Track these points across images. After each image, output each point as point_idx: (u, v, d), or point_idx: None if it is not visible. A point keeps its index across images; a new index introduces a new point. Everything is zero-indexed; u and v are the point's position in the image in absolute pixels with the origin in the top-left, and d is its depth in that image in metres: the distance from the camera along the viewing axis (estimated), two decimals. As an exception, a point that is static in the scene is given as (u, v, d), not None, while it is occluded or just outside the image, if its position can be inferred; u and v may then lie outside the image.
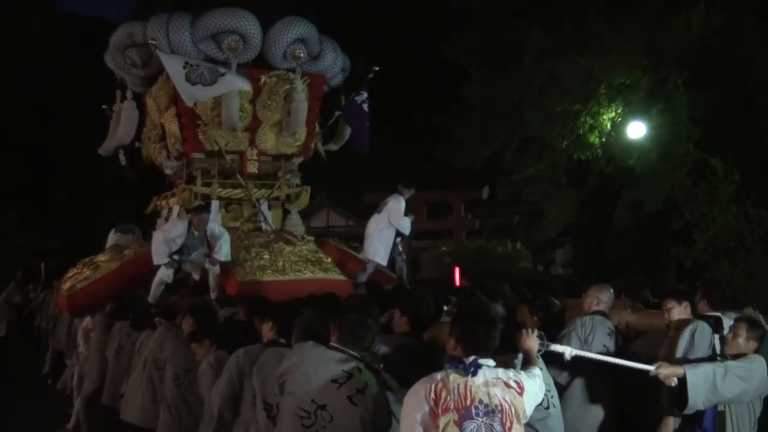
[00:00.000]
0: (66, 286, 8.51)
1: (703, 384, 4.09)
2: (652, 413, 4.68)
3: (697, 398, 4.10)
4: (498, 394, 3.03)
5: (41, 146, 23.56)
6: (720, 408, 4.21)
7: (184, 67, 7.94)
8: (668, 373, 4.12)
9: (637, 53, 13.50)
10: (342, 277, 8.20)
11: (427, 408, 2.99)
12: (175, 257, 7.70)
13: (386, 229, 8.80)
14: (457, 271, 12.46)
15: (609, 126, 14.17)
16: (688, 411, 4.18)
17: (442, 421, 2.96)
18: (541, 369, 3.52)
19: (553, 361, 4.67)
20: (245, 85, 8.49)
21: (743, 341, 4.24)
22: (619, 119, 14.13)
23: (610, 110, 14.16)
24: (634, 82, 13.80)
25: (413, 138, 21.11)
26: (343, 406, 3.33)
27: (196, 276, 8.14)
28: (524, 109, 14.56)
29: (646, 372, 4.19)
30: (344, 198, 21.24)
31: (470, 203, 18.51)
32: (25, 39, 22.29)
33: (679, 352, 4.48)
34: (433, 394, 3.00)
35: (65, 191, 24.11)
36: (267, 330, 4.43)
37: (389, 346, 4.10)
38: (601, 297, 5.25)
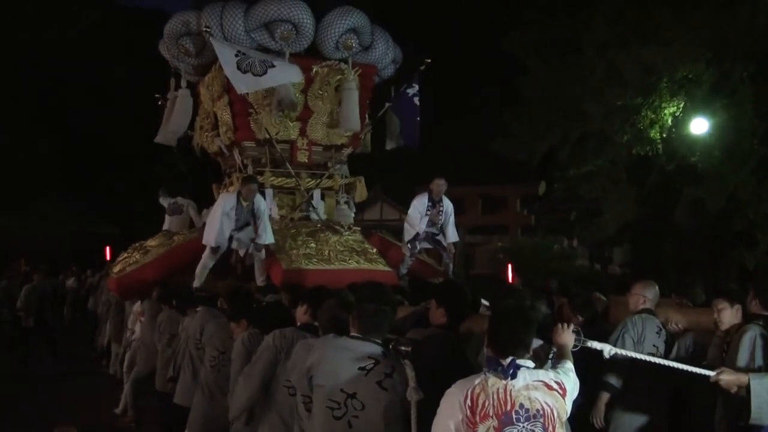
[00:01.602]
0: (116, 269, 8.76)
1: None
2: (703, 421, 4.51)
3: (763, 410, 3.82)
4: (539, 398, 2.91)
5: (102, 135, 24.28)
6: None
7: (236, 56, 7.99)
8: (731, 380, 3.85)
9: (701, 45, 13.09)
10: (387, 268, 8.17)
11: (461, 416, 2.88)
12: (223, 245, 7.75)
13: (406, 225, 8.67)
14: (509, 267, 12.26)
15: (670, 121, 13.77)
16: (753, 423, 3.90)
17: (481, 429, 2.85)
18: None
19: (613, 365, 4.62)
20: (296, 77, 8.49)
21: None
22: (681, 114, 13.72)
23: (671, 105, 13.77)
24: (698, 76, 13.38)
25: (470, 131, 20.95)
26: (374, 392, 3.31)
27: (241, 252, 8.19)
28: (583, 103, 14.26)
29: (705, 377, 3.95)
30: (398, 191, 21.21)
31: (526, 199, 18.25)
32: (86, 31, 22.94)
33: (741, 361, 4.18)
34: (469, 401, 2.88)
35: (125, 179, 24.81)
36: (301, 313, 4.47)
37: (421, 336, 4.07)
38: (647, 294, 5.11)
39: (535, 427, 2.88)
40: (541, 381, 2.95)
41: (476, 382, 2.91)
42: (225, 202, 7.85)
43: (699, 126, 13.58)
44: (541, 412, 2.89)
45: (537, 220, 18.12)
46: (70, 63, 23.19)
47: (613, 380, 4.79)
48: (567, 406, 3.00)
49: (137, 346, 8.80)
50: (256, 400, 4.31)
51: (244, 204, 7.79)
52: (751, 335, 4.26)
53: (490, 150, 16.54)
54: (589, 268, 16.75)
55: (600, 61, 14.00)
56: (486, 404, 2.85)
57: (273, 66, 8.06)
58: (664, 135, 14.08)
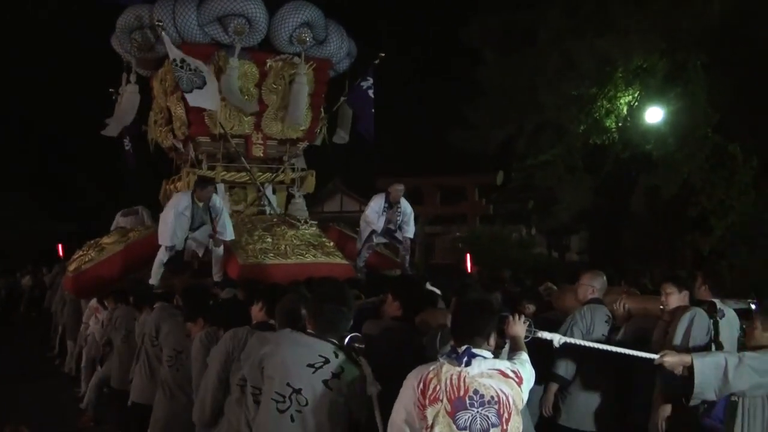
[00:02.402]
0: (71, 267, 8.61)
1: (713, 373, 3.92)
2: (642, 399, 4.66)
3: (705, 387, 3.90)
4: (494, 385, 2.97)
5: (57, 131, 23.82)
6: (733, 398, 4.00)
7: (181, 66, 7.98)
8: (674, 361, 3.94)
9: (655, 35, 13.29)
10: (344, 261, 8.21)
11: (413, 399, 2.96)
12: (177, 245, 7.73)
13: (362, 222, 8.84)
14: (468, 257, 12.38)
15: (626, 110, 13.99)
16: (695, 400, 4.00)
17: (430, 412, 2.91)
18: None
19: (562, 354, 4.73)
20: (214, 106, 8.47)
21: (759, 333, 4.00)
22: (636, 103, 13.95)
23: (627, 94, 14.01)
24: (652, 66, 13.62)
25: (427, 122, 21.07)
26: (319, 390, 3.34)
27: (200, 252, 8.18)
28: (539, 93, 14.41)
29: (649, 360, 4.05)
30: (358, 183, 21.22)
31: (484, 188, 18.40)
32: (37, 24, 22.45)
33: (677, 339, 4.39)
34: (422, 385, 2.95)
35: (82, 175, 24.41)
36: (257, 311, 4.44)
37: (378, 329, 4.11)
38: (595, 284, 5.18)
39: (489, 412, 2.93)
40: (497, 369, 3.01)
41: (431, 368, 2.99)
42: (179, 202, 7.81)
43: (654, 115, 13.83)
44: (496, 398, 2.95)
45: (495, 210, 18.28)
46: (19, 57, 22.71)
47: (562, 371, 4.89)
48: (523, 394, 3.05)
49: (93, 340, 8.76)
50: (218, 402, 4.27)
51: (200, 204, 7.76)
52: (689, 315, 4.43)
53: (448, 140, 16.64)
54: (547, 256, 16.96)
55: (556, 51, 14.15)
56: (437, 389, 2.92)
57: (203, 72, 8.06)
58: (620, 124, 14.31)
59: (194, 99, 8.18)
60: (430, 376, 2.96)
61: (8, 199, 24.45)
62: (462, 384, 2.93)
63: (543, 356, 4.59)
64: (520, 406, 3.03)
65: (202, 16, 8.62)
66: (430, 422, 2.91)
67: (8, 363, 11.93)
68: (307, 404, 3.34)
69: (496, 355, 3.26)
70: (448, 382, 2.93)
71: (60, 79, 22.72)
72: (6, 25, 22.02)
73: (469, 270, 11.46)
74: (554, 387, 4.93)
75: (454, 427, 2.90)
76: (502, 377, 3.00)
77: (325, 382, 3.34)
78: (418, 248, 16.37)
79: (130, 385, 6.36)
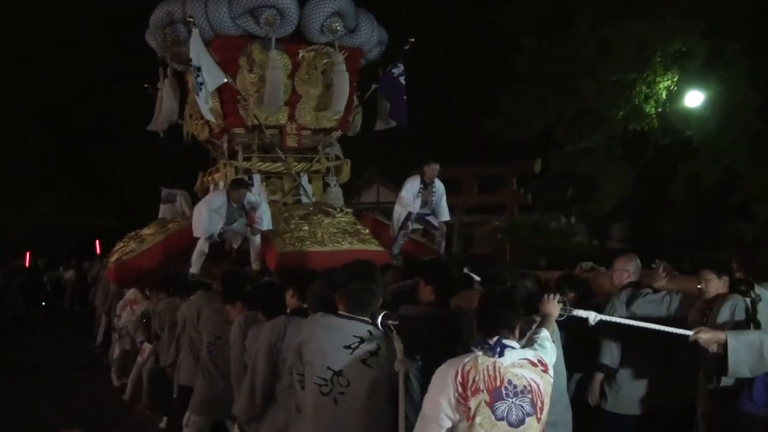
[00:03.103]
0: (113, 258, 8.81)
1: (747, 351, 3.93)
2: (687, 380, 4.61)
3: (739, 365, 3.94)
4: (526, 374, 2.99)
5: (97, 127, 24.28)
6: None
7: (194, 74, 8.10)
8: (708, 338, 3.97)
9: (695, 17, 13.03)
10: (380, 248, 8.22)
11: (452, 390, 2.95)
12: (214, 232, 7.85)
13: (397, 206, 8.78)
14: (507, 248, 12.29)
15: (665, 95, 13.75)
16: (729, 378, 4.04)
17: (473, 403, 2.92)
18: (552, 333, 3.48)
19: (606, 343, 4.72)
20: (219, 80, 8.38)
21: None
22: (676, 88, 13.70)
23: (666, 78, 13.76)
24: (691, 49, 13.37)
25: (464, 111, 20.90)
26: (358, 369, 3.38)
27: (236, 244, 8.29)
28: (577, 80, 14.24)
29: (684, 336, 4.06)
30: (395, 173, 21.18)
31: (522, 177, 18.22)
32: (75, 23, 22.90)
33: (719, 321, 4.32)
34: (460, 377, 2.95)
35: (121, 171, 24.86)
36: (289, 298, 4.49)
37: (413, 314, 4.11)
38: (629, 268, 5.13)
39: (524, 402, 2.96)
40: (526, 359, 3.03)
41: (467, 359, 2.99)
42: (212, 201, 7.96)
43: (694, 99, 13.57)
44: (529, 388, 2.98)
45: (534, 198, 18.10)
46: (64, 58, 23.20)
47: (607, 360, 4.83)
48: (551, 380, 3.08)
49: (125, 333, 9.04)
50: (268, 394, 4.30)
51: (234, 205, 7.89)
52: (730, 305, 4.35)
53: (485, 129, 16.52)
54: (588, 244, 16.74)
55: (593, 37, 13.97)
56: (477, 379, 2.92)
57: (197, 77, 8.07)
58: (659, 109, 14.07)
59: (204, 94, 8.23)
60: (467, 367, 2.96)
61: (50, 195, 25.11)
62: (497, 374, 2.95)
63: (585, 345, 4.59)
64: (550, 392, 3.06)
65: (233, 8, 8.68)
66: (472, 413, 2.92)
67: (55, 354, 12.28)
68: (348, 385, 3.39)
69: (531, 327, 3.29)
70: (485, 372, 2.95)
71: (100, 75, 23.17)
72: (45, 23, 22.53)
73: (507, 259, 11.37)
74: (600, 376, 4.88)
75: (493, 417, 2.92)
76: (531, 366, 3.02)
77: (363, 361, 3.39)
78: (456, 238, 16.29)
79: (172, 370, 6.52)
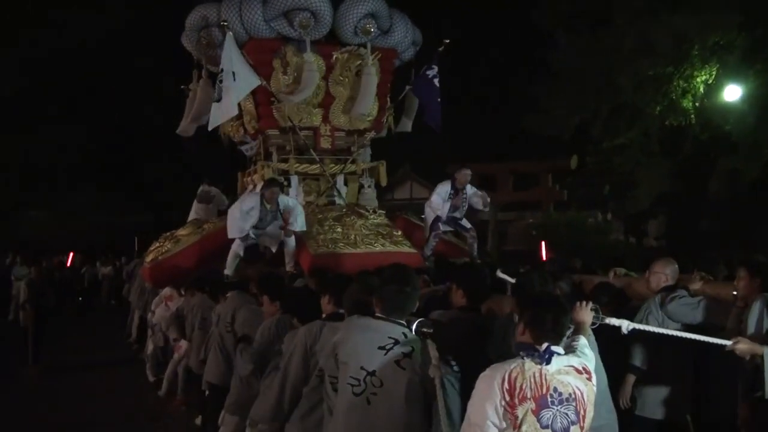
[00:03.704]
0: (149, 258, 8.96)
1: None
2: (731, 387, 4.57)
3: None
4: (571, 382, 2.95)
5: (135, 126, 24.63)
6: None
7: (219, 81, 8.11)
8: (746, 349, 3.89)
9: (732, 9, 12.77)
10: (412, 250, 8.23)
11: (499, 398, 2.89)
12: (251, 232, 7.94)
13: (427, 209, 8.78)
14: (543, 245, 12.18)
15: (702, 89, 13.49)
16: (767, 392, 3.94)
17: (520, 411, 2.86)
18: (588, 338, 3.45)
19: (638, 346, 4.70)
20: (254, 83, 8.40)
21: None
22: (714, 82, 13.43)
23: (703, 72, 13.50)
24: (729, 42, 13.09)
25: (499, 108, 20.79)
26: (392, 371, 3.39)
27: (273, 248, 8.35)
28: (614, 74, 14.05)
29: (721, 346, 3.98)
30: (428, 170, 21.16)
31: (558, 174, 18.06)
32: (114, 21, 23.20)
33: (751, 328, 4.26)
34: (507, 384, 2.89)
35: (156, 168, 25.22)
36: (325, 303, 4.50)
37: (445, 319, 4.12)
38: (667, 272, 5.07)
39: (568, 410, 2.92)
40: (572, 366, 2.99)
41: (512, 366, 2.94)
42: (244, 203, 8.06)
43: (732, 93, 13.31)
44: (573, 396, 2.94)
45: (570, 195, 17.93)
46: (101, 53, 23.55)
47: (638, 362, 4.81)
48: (595, 388, 3.04)
49: (159, 330, 9.16)
50: (298, 397, 4.33)
51: (268, 206, 7.96)
52: (760, 302, 4.29)
53: (520, 126, 16.40)
54: (624, 242, 16.55)
55: (631, 30, 13.75)
56: (524, 387, 2.87)
57: (221, 82, 8.05)
58: (697, 104, 13.83)
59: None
60: (514, 374, 2.91)
61: (88, 192, 25.55)
62: (543, 382, 2.90)
63: (617, 348, 4.56)
64: (593, 401, 3.01)
65: (267, 11, 8.75)
66: (519, 421, 2.87)
67: (90, 350, 12.51)
68: (381, 386, 3.40)
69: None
70: (532, 379, 2.89)
71: (137, 74, 23.48)
72: (81, 24, 22.88)
73: (543, 258, 11.27)
74: (632, 379, 4.85)
75: (538, 425, 2.87)
76: (577, 373, 2.98)
77: (397, 362, 3.40)
78: (490, 235, 16.24)
79: (202, 366, 6.61)
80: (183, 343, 8.27)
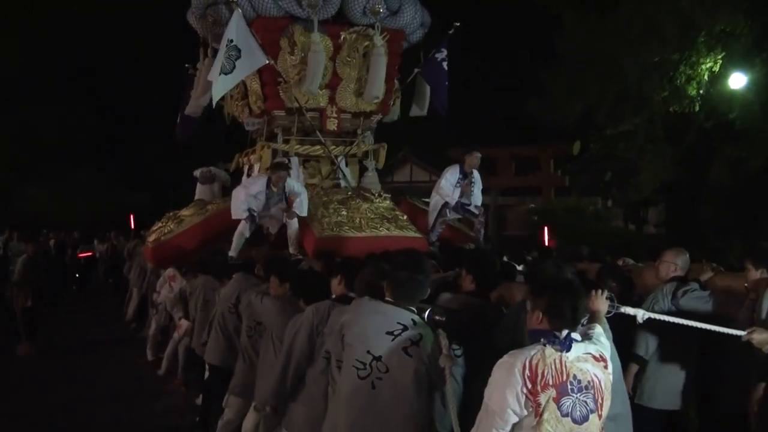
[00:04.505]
0: (151, 238, 8.89)
1: None
2: (735, 378, 4.58)
3: None
4: (590, 369, 2.92)
5: (133, 103, 24.49)
6: None
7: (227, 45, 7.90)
8: (762, 339, 3.88)
9: (740, -5, 12.67)
10: (417, 235, 8.18)
11: (521, 384, 2.83)
12: (254, 212, 7.89)
13: (436, 196, 8.68)
14: (545, 230, 12.17)
15: (707, 76, 13.39)
16: None
17: (542, 398, 2.82)
18: (605, 330, 3.40)
19: (642, 334, 4.68)
20: (260, 62, 8.18)
21: None
22: (718, 69, 13.33)
23: (708, 60, 13.37)
24: (735, 29, 12.97)
25: (501, 91, 20.69)
26: (398, 357, 3.36)
27: (273, 230, 8.31)
28: (620, 60, 13.92)
29: (736, 337, 3.97)
30: (428, 153, 21.06)
31: (560, 159, 17.97)
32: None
33: (763, 315, 4.25)
34: (528, 371, 2.83)
35: (156, 147, 25.03)
36: (336, 284, 4.51)
37: (456, 305, 4.09)
38: (678, 262, 5.05)
39: (587, 398, 2.89)
40: (590, 353, 2.96)
41: (533, 352, 2.88)
42: (251, 186, 7.99)
43: (737, 81, 13.20)
44: (592, 383, 2.91)
45: (571, 181, 17.85)
46: (102, 32, 23.41)
47: (642, 351, 4.79)
48: (611, 377, 3.02)
49: (162, 309, 9.17)
50: (301, 374, 4.33)
51: (275, 189, 7.91)
52: None
53: (522, 110, 16.30)
54: (624, 229, 16.53)
55: (638, 15, 13.61)
56: (545, 374, 2.83)
57: (239, 57, 7.88)
58: (702, 91, 13.72)
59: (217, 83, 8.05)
60: (535, 361, 2.85)
61: (86, 170, 25.45)
62: (564, 369, 2.86)
63: (623, 336, 4.54)
64: (610, 389, 2.98)
65: (277, -11, 8.64)
66: (541, 409, 2.83)
67: (88, 328, 12.48)
68: (387, 371, 3.37)
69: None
70: (553, 367, 2.85)
71: (136, 53, 23.33)
72: (83, 4, 22.68)
73: (546, 244, 11.25)
74: (634, 368, 4.83)
75: (558, 413, 2.84)
76: (594, 361, 2.95)
77: (404, 349, 3.37)
78: (490, 220, 16.20)
79: (204, 348, 6.58)
80: (184, 322, 8.27)
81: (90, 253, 18.92)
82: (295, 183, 8.09)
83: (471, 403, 3.24)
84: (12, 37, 22.63)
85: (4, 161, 24.40)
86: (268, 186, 7.92)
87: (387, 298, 3.54)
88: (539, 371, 2.83)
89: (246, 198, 7.85)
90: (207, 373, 6.69)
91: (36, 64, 23.23)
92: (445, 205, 8.43)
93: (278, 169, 7.96)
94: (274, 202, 7.99)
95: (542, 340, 2.91)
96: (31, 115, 23.66)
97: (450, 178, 8.50)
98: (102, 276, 19.71)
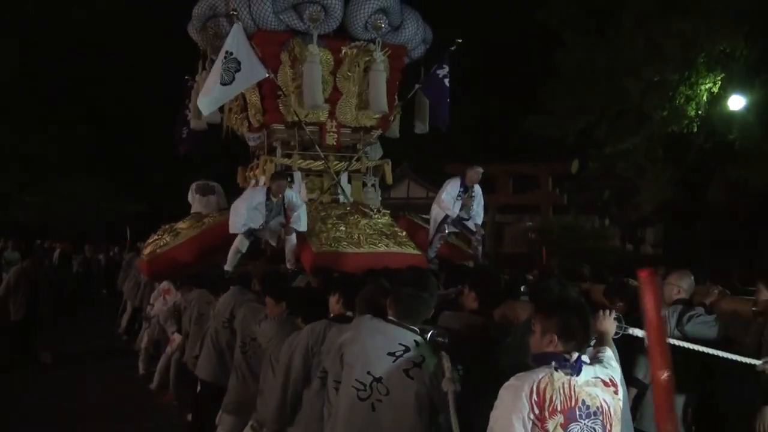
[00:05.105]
0: (146, 251, 8.82)
1: None
2: (739, 402, 4.49)
3: None
4: (599, 394, 2.81)
5: (129, 113, 24.43)
6: None
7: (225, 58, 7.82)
8: None
9: (741, 18, 12.69)
10: (416, 252, 8.10)
11: (527, 410, 2.72)
12: (253, 230, 7.80)
13: (436, 209, 8.60)
14: (543, 250, 12.13)
15: (705, 97, 13.41)
16: None
17: (550, 425, 2.71)
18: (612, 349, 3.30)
19: (642, 358, 4.54)
20: (260, 75, 8.11)
21: None
22: (718, 91, 13.37)
23: (707, 80, 13.42)
24: (735, 51, 13.02)
25: (499, 108, 20.65)
26: (399, 380, 3.28)
27: (273, 242, 8.22)
28: (621, 78, 13.92)
29: (749, 365, 3.88)
30: (426, 169, 21.04)
31: (558, 177, 17.93)
32: (113, 8, 23.02)
33: None
34: (536, 396, 2.72)
35: (152, 157, 24.92)
36: (334, 303, 4.39)
37: (458, 323, 4.01)
38: (682, 285, 4.97)
39: (595, 424, 2.78)
40: (599, 378, 2.86)
41: (541, 375, 2.77)
42: (252, 198, 7.89)
43: (736, 103, 13.27)
44: (600, 409, 2.80)
45: (569, 199, 17.81)
46: (98, 42, 23.36)
47: (641, 375, 4.69)
48: (621, 403, 2.91)
49: (155, 323, 9.04)
50: (299, 396, 4.24)
51: (274, 200, 7.82)
52: None
53: (520, 127, 16.27)
54: (621, 248, 16.46)
55: (639, 33, 13.64)
56: (554, 399, 2.72)
57: (239, 70, 7.82)
58: (701, 112, 13.75)
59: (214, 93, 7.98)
60: (543, 385, 2.74)
61: (82, 179, 25.34)
62: (573, 394, 2.76)
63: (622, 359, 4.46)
64: (620, 415, 2.87)
65: (277, 3, 8.59)
66: None
67: (81, 340, 12.33)
68: (387, 394, 3.29)
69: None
70: (561, 391, 2.75)
71: (134, 63, 23.31)
72: (83, 13, 22.69)
73: (544, 262, 11.19)
74: (633, 392, 4.68)
75: None
76: (604, 386, 2.84)
77: (405, 371, 3.28)
78: (487, 237, 16.14)
79: (196, 362, 6.48)
80: (176, 337, 8.18)
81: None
82: (294, 195, 8.00)
83: (472, 425, 3.14)
84: (12, 37, 22.59)
85: (0, 170, 24.34)
86: (267, 197, 7.83)
87: (389, 317, 3.45)
88: (547, 396, 2.72)
89: (246, 212, 7.76)
90: (198, 388, 6.58)
91: (33, 72, 23.17)
92: (445, 218, 8.36)
93: (278, 178, 7.88)
94: (274, 213, 7.89)
95: (553, 363, 2.80)
96: (28, 124, 23.59)
97: (450, 190, 8.42)
98: (96, 287, 19.54)
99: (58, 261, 17.37)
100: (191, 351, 6.89)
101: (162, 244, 8.62)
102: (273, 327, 4.89)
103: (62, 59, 23.54)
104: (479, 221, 8.77)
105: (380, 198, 9.82)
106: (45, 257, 16.90)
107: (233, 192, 9.81)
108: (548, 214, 17.50)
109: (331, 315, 4.36)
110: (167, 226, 9.05)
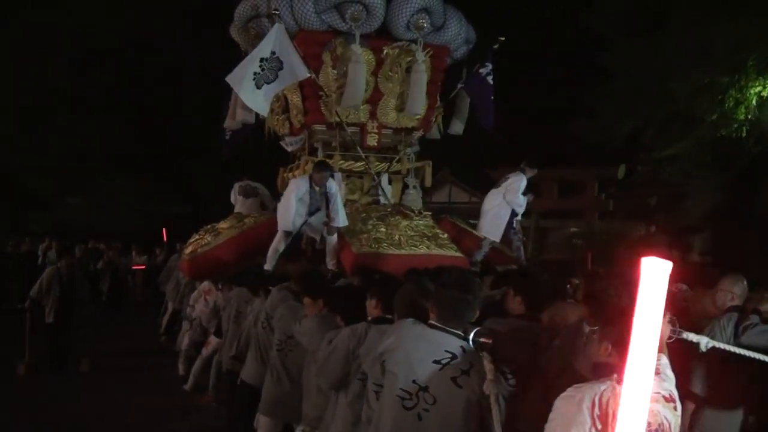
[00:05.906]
0: (188, 250, 8.88)
1: None
2: None
3: None
4: (661, 411, 2.61)
5: (174, 114, 24.66)
6: None
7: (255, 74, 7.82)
8: None
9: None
10: (458, 254, 8.00)
11: (589, 425, 2.54)
12: (302, 225, 7.75)
13: (502, 206, 8.45)
14: (589, 256, 11.89)
15: (755, 101, 13.03)
16: None
17: None
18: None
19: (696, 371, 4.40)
20: (302, 74, 8.13)
21: None
22: (767, 94, 12.97)
23: (757, 83, 13.02)
24: (787, 54, 12.63)
25: (545, 112, 20.35)
26: (447, 388, 3.19)
27: (316, 237, 8.18)
28: (669, 81, 13.60)
29: None
30: (468, 173, 20.82)
31: (604, 183, 17.60)
32: (158, 10, 23.26)
33: None
34: (598, 409, 2.54)
35: (194, 159, 25.18)
36: (372, 307, 4.31)
37: (505, 328, 3.88)
38: (735, 290, 4.79)
39: None
40: (660, 393, 2.65)
41: (603, 388, 2.57)
42: (298, 187, 7.82)
43: (788, 107, 12.85)
44: (661, 428, 2.59)
45: (615, 205, 17.46)
46: (140, 44, 23.66)
47: (698, 389, 4.50)
48: (679, 420, 2.68)
49: (197, 324, 9.09)
50: (326, 399, 4.24)
51: (317, 189, 7.77)
52: None
53: (566, 131, 16.00)
54: (668, 256, 16.04)
55: (688, 35, 13.32)
56: (616, 414, 2.45)
57: (281, 69, 7.83)
58: (750, 116, 13.36)
59: (249, 96, 7.97)
60: (605, 398, 2.55)
61: (125, 181, 25.70)
62: None
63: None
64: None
65: (319, 3, 8.60)
66: None
67: (121, 340, 12.43)
68: (434, 403, 3.19)
69: None
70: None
71: (181, 64, 23.56)
72: (131, 13, 23.02)
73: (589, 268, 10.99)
74: (690, 407, 4.51)
75: None
76: (665, 402, 2.64)
77: (453, 379, 3.18)
78: (530, 242, 15.92)
79: (233, 362, 6.43)
80: (212, 339, 8.18)
81: (143, 267, 18.96)
82: (334, 186, 7.93)
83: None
84: (55, 49, 22.97)
85: (44, 171, 24.73)
86: (311, 186, 7.78)
87: (431, 320, 3.34)
88: (610, 411, 2.51)
89: (296, 204, 7.70)
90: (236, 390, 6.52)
91: (78, 73, 23.56)
92: (513, 214, 8.23)
93: (321, 169, 7.82)
94: (315, 202, 7.82)
95: (615, 375, 2.56)
96: (73, 126, 23.99)
97: (520, 186, 8.33)
98: (139, 288, 19.79)
99: (102, 265, 17.63)
100: (228, 350, 6.87)
101: (203, 243, 8.68)
102: (313, 324, 4.83)
103: (108, 60, 23.90)
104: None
105: (422, 199, 9.71)
106: (88, 259, 17.20)
107: (275, 195, 9.83)
108: (593, 219, 17.19)
109: (369, 318, 4.27)
110: (209, 226, 9.11)
